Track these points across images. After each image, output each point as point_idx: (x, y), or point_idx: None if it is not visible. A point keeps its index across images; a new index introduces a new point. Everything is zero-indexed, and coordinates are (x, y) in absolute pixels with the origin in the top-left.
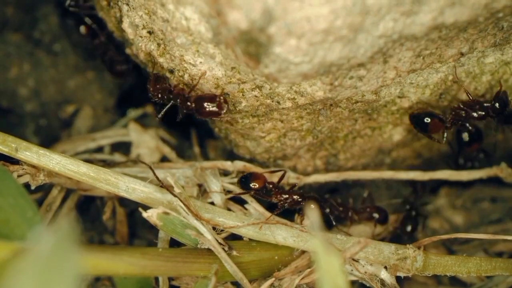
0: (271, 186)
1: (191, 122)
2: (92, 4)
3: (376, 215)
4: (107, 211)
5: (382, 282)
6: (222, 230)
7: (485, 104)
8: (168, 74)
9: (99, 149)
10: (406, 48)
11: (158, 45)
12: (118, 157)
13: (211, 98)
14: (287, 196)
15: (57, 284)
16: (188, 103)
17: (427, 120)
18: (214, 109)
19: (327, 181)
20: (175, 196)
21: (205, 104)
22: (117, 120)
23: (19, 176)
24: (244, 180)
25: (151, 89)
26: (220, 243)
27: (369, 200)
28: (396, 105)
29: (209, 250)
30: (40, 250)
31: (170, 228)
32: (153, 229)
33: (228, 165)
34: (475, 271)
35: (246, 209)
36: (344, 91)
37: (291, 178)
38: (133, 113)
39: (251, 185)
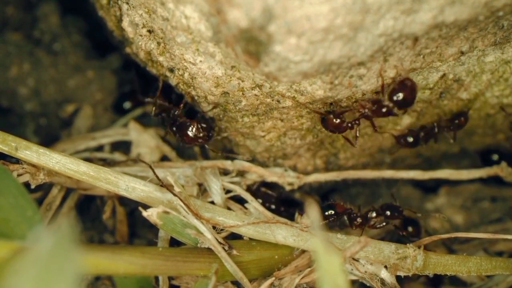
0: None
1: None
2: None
3: None
4: (107, 210)
5: (382, 281)
6: (222, 229)
7: None
8: (168, 73)
9: (99, 148)
10: (407, 46)
11: (158, 44)
12: (118, 156)
13: None
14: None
15: (57, 283)
16: None
17: None
18: None
19: (327, 180)
20: (175, 195)
21: None
22: (117, 119)
23: (19, 175)
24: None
25: None
26: (220, 242)
27: None
28: None
29: (209, 249)
30: (40, 250)
31: (170, 227)
32: (153, 228)
33: (228, 164)
34: (475, 271)
35: (246, 208)
36: (344, 90)
37: (291, 177)
38: (133, 110)
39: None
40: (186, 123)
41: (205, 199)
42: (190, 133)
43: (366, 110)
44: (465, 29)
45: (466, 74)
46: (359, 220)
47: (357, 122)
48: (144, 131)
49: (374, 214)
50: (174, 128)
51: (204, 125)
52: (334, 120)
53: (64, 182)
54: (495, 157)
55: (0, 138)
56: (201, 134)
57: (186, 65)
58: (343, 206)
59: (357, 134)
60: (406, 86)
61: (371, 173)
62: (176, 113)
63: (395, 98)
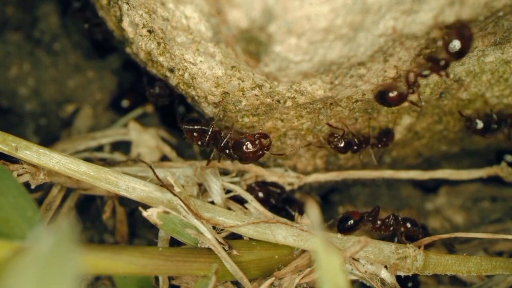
0: (365, 216)
1: None
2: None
3: None
4: (107, 210)
5: (382, 281)
6: (222, 229)
7: None
8: (168, 73)
9: (99, 148)
10: (407, 47)
11: (158, 44)
12: (118, 156)
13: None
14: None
15: (57, 283)
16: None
17: None
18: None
19: (327, 180)
20: (175, 195)
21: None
22: (117, 119)
23: (19, 175)
24: (343, 221)
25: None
26: (220, 242)
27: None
28: None
29: (209, 249)
30: (40, 250)
31: (170, 227)
32: (153, 228)
33: (228, 164)
34: (476, 271)
35: (246, 208)
36: (344, 90)
37: (291, 177)
38: (131, 108)
39: (348, 224)
40: (242, 141)
41: (205, 199)
42: (250, 150)
43: (423, 69)
44: None
45: (466, 74)
46: (379, 223)
47: (416, 84)
48: (144, 131)
49: (392, 221)
50: (228, 150)
51: (259, 135)
52: (393, 94)
53: (64, 182)
54: (509, 158)
55: (0, 138)
56: (261, 148)
57: (186, 65)
58: (359, 213)
59: (420, 96)
60: (463, 34)
61: (371, 173)
62: (228, 135)
63: (451, 48)
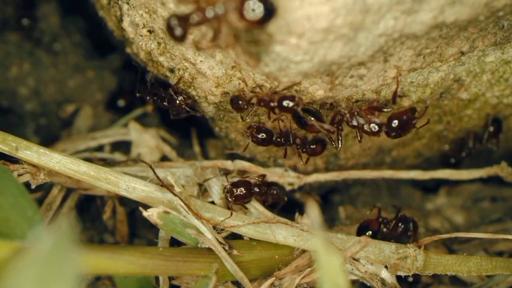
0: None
1: (191, 122)
2: None
3: None
4: (107, 210)
5: (383, 281)
6: (222, 229)
7: None
8: (168, 73)
9: (99, 148)
10: (407, 47)
11: (159, 44)
12: (118, 156)
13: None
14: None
15: (57, 283)
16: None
17: None
18: None
19: (327, 180)
20: (175, 195)
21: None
22: (117, 119)
23: (19, 175)
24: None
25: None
26: (220, 242)
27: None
28: (396, 104)
29: (209, 249)
30: (40, 250)
31: (170, 227)
32: (153, 228)
33: (228, 164)
34: (476, 271)
35: (246, 208)
36: (345, 90)
37: (292, 177)
38: (127, 108)
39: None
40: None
41: (205, 199)
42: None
43: None
44: (466, 29)
45: (466, 74)
46: (401, 226)
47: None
48: (144, 131)
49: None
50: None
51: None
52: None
53: (65, 182)
54: None
55: (0, 138)
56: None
57: (187, 65)
58: (377, 221)
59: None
60: None
61: (371, 173)
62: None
63: None
